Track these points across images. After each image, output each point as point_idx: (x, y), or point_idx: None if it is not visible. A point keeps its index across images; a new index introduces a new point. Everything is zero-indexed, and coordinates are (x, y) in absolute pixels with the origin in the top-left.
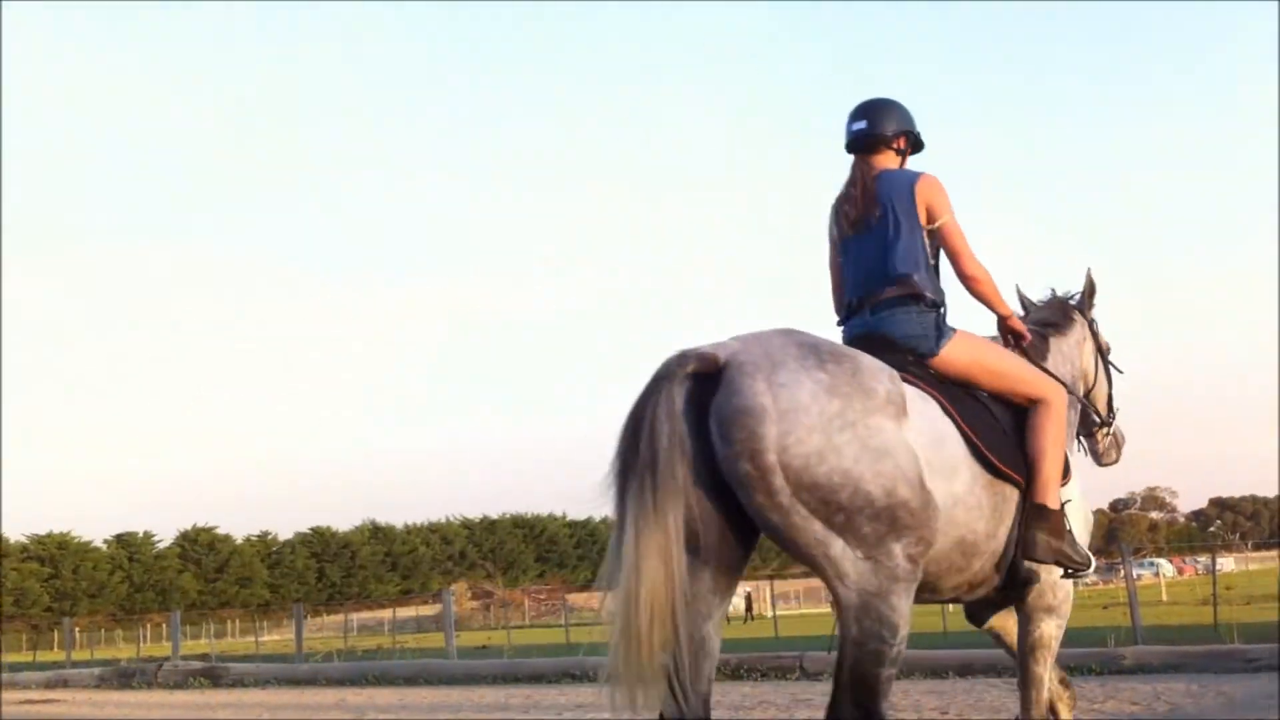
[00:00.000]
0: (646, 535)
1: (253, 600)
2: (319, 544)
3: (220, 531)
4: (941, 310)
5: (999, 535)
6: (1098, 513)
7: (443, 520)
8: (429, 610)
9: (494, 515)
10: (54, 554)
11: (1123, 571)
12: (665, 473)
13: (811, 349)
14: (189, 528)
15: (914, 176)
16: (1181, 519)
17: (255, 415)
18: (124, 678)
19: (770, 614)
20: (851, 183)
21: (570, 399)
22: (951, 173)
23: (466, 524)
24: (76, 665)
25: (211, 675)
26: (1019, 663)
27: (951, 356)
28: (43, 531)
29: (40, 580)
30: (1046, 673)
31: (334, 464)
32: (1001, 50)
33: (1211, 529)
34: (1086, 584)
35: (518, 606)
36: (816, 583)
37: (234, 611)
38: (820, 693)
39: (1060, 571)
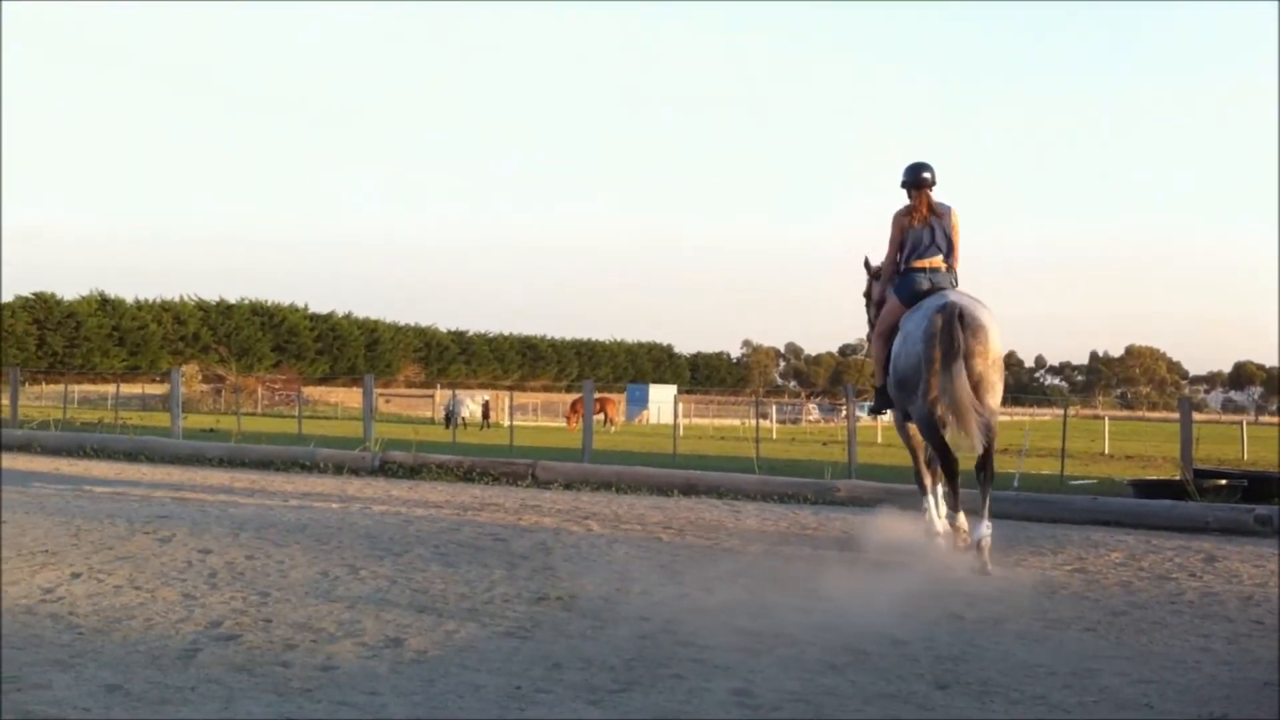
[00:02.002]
0: (959, 375)
1: None
2: (41, 310)
3: None
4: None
5: None
6: (827, 355)
7: (176, 300)
8: (156, 389)
9: (231, 300)
10: None
11: (845, 412)
12: (961, 351)
13: (980, 301)
14: None
15: (949, 206)
16: None
17: None
18: None
19: (507, 423)
20: (917, 204)
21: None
22: None
23: (202, 305)
24: None
25: None
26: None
27: None
28: None
29: None
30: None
31: (61, 232)
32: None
33: None
34: (809, 421)
35: (250, 394)
36: (555, 396)
37: None
38: (549, 500)
39: None
